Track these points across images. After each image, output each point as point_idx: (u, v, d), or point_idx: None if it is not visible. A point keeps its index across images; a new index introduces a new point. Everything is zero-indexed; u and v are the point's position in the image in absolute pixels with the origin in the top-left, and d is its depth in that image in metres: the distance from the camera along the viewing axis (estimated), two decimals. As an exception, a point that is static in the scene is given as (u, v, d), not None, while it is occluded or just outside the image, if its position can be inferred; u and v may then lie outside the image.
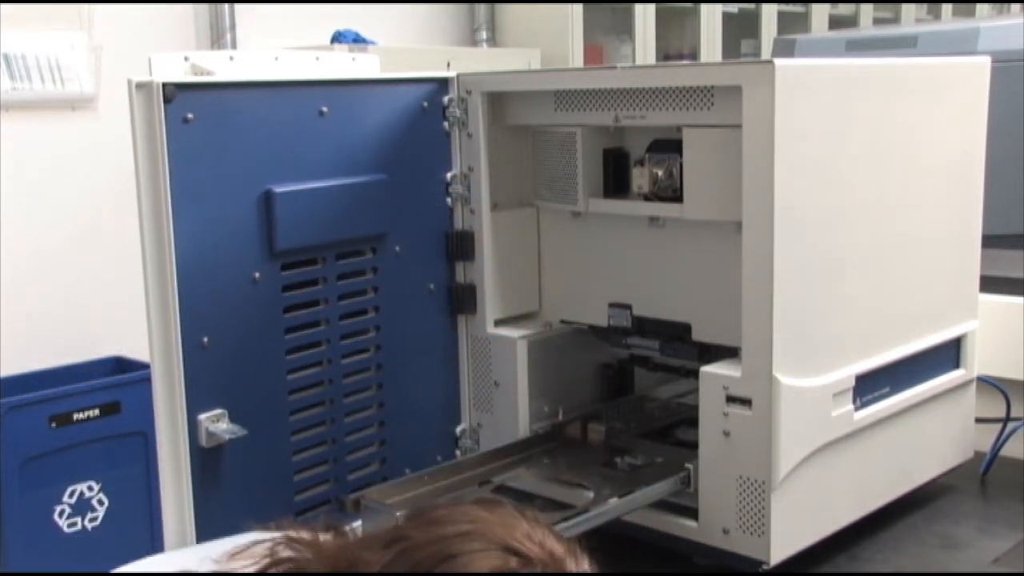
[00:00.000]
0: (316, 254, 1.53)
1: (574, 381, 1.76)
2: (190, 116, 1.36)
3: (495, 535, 0.96)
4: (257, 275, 1.45)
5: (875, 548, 1.54)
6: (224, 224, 1.41)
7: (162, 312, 1.35)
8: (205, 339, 1.39)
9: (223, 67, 1.48)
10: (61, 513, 3.10)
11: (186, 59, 1.45)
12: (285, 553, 1.05)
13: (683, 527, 1.49)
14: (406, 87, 1.63)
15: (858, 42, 2.56)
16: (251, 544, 1.08)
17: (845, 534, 1.53)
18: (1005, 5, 6.61)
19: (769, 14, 5.29)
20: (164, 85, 1.32)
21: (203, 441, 1.39)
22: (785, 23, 5.35)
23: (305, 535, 1.07)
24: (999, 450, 1.79)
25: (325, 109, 1.51)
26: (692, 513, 1.48)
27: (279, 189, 1.45)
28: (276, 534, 1.08)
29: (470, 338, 1.72)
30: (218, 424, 1.40)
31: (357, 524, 1.35)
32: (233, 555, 1.08)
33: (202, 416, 1.39)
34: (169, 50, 2.39)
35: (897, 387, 1.59)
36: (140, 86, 1.32)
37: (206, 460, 1.40)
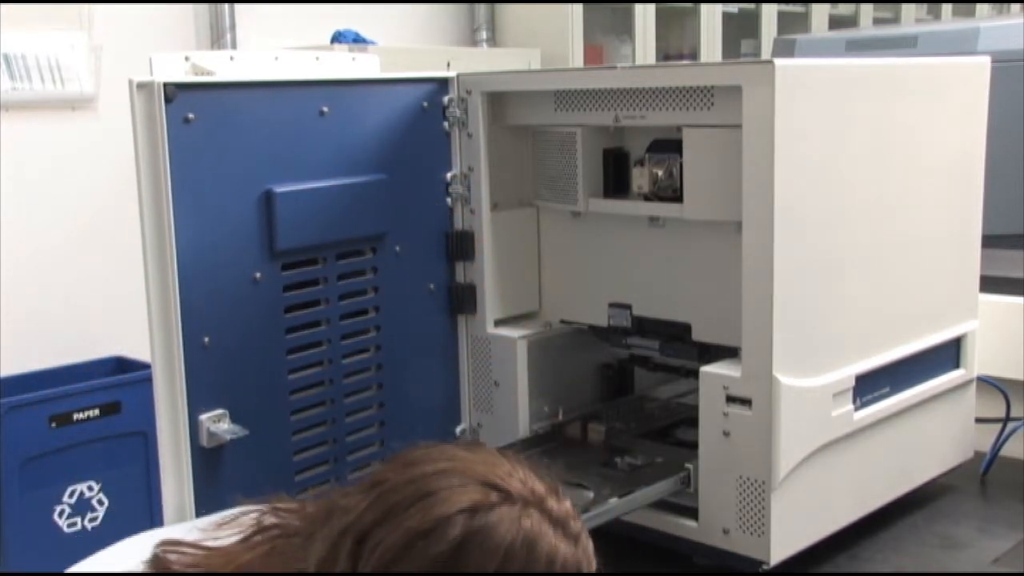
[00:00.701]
0: (316, 254, 1.53)
1: (574, 381, 1.76)
2: (191, 116, 1.36)
3: (474, 472, 0.96)
4: (258, 275, 1.45)
5: (875, 548, 1.54)
6: (225, 224, 1.41)
7: (163, 312, 1.35)
8: (206, 339, 1.39)
9: (223, 67, 1.48)
10: (61, 513, 3.10)
11: (187, 59, 1.45)
12: (271, 520, 1.05)
13: (683, 527, 1.49)
14: (406, 87, 1.63)
15: (858, 42, 2.56)
16: (239, 514, 1.08)
17: (845, 534, 1.53)
18: (1005, 5, 6.61)
19: (769, 14, 5.28)
20: (165, 85, 1.32)
21: (204, 441, 1.39)
22: (785, 23, 5.34)
23: (292, 504, 1.07)
24: (999, 450, 1.79)
25: (326, 109, 1.51)
26: (692, 513, 1.49)
27: (279, 189, 1.45)
28: (264, 506, 1.08)
29: (470, 338, 1.72)
30: (219, 424, 1.40)
31: None
32: (220, 525, 1.08)
33: (203, 416, 1.40)
34: (169, 50, 2.39)
35: (897, 387, 1.59)
36: (141, 86, 1.32)
37: (207, 460, 1.40)
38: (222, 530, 1.08)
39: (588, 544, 0.99)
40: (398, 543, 0.92)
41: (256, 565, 1.01)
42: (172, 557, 1.05)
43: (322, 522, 0.98)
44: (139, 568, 1.06)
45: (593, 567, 0.99)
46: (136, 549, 1.12)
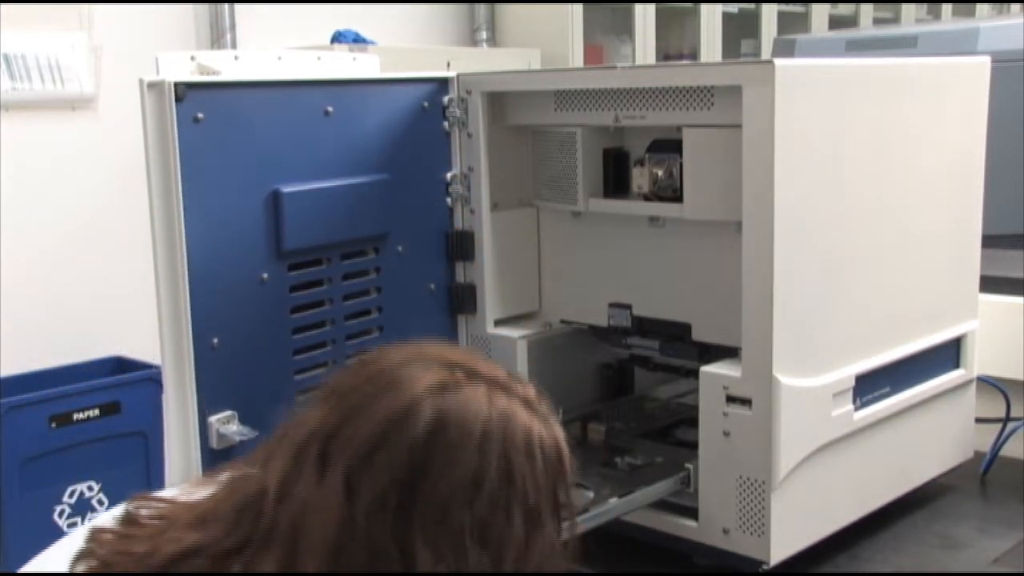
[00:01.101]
0: (322, 254, 1.53)
1: (574, 381, 1.76)
2: (200, 116, 1.36)
3: (433, 356, 0.95)
4: (265, 275, 1.45)
5: (875, 548, 1.54)
6: (233, 224, 1.41)
7: (173, 313, 1.35)
8: (215, 340, 1.39)
9: (228, 67, 1.48)
10: (61, 513, 3.10)
11: (192, 59, 1.45)
12: (244, 470, 1.04)
13: (683, 527, 1.49)
14: (406, 87, 1.63)
15: (858, 42, 2.56)
16: (220, 472, 1.07)
17: (845, 534, 1.53)
18: (1005, 5, 6.61)
19: (769, 14, 5.28)
20: (176, 84, 1.33)
21: (214, 443, 1.39)
22: (785, 23, 5.34)
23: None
24: (999, 450, 1.79)
25: (330, 109, 1.52)
26: (692, 513, 1.49)
27: (286, 189, 1.46)
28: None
29: (470, 338, 1.72)
30: (228, 426, 1.40)
31: None
32: (200, 483, 1.07)
33: (213, 418, 1.39)
34: (169, 50, 2.39)
35: (897, 387, 1.59)
36: (152, 85, 1.32)
37: (215, 462, 1.40)
38: (200, 487, 1.07)
39: (559, 428, 0.97)
40: (371, 434, 0.89)
41: (215, 506, 0.98)
42: (143, 512, 1.04)
43: (277, 443, 0.95)
44: (111, 524, 1.05)
45: (567, 450, 0.97)
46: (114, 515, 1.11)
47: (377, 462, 0.89)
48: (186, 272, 1.34)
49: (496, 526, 0.90)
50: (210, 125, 1.37)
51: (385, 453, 0.89)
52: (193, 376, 1.36)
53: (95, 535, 1.01)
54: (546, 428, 0.95)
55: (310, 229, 1.49)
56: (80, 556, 0.98)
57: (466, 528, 0.89)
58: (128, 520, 1.02)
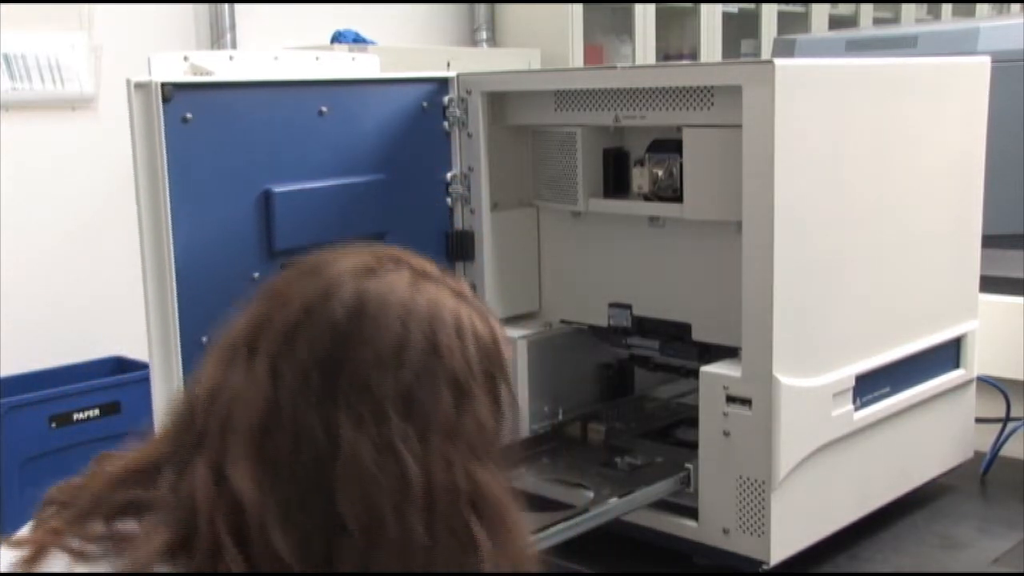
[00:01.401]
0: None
1: (574, 381, 1.76)
2: (189, 116, 1.36)
3: (363, 249, 0.94)
4: (256, 275, 1.45)
5: (875, 548, 1.54)
6: (223, 224, 1.41)
7: (161, 312, 1.35)
8: (204, 339, 1.39)
9: (223, 67, 1.48)
10: (61, 513, 3.09)
11: (186, 59, 1.45)
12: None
13: (683, 527, 1.49)
14: (406, 87, 1.63)
15: (858, 42, 2.56)
16: None
17: (845, 534, 1.53)
18: (1005, 5, 6.61)
19: (769, 14, 5.28)
20: (163, 85, 1.33)
21: (203, 441, 1.39)
22: (785, 23, 5.34)
23: None
24: (999, 450, 1.79)
25: (325, 109, 1.51)
26: (692, 513, 1.48)
27: (278, 189, 1.45)
28: None
29: (470, 338, 1.72)
30: (218, 425, 1.40)
31: None
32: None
33: None
34: (169, 50, 2.39)
35: (897, 387, 1.59)
36: (139, 86, 1.32)
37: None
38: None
39: (497, 323, 0.96)
40: (292, 318, 0.89)
41: (160, 429, 0.98)
42: (108, 468, 1.04)
43: (212, 350, 0.95)
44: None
45: (504, 339, 0.96)
46: None
47: (298, 344, 0.88)
48: (173, 271, 1.34)
49: (421, 399, 0.88)
50: (199, 125, 1.37)
51: (305, 334, 0.88)
52: (181, 374, 1.36)
53: (61, 486, 1.01)
54: (479, 317, 0.94)
55: (303, 229, 1.49)
56: (44, 502, 0.98)
57: (388, 396, 0.87)
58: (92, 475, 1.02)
